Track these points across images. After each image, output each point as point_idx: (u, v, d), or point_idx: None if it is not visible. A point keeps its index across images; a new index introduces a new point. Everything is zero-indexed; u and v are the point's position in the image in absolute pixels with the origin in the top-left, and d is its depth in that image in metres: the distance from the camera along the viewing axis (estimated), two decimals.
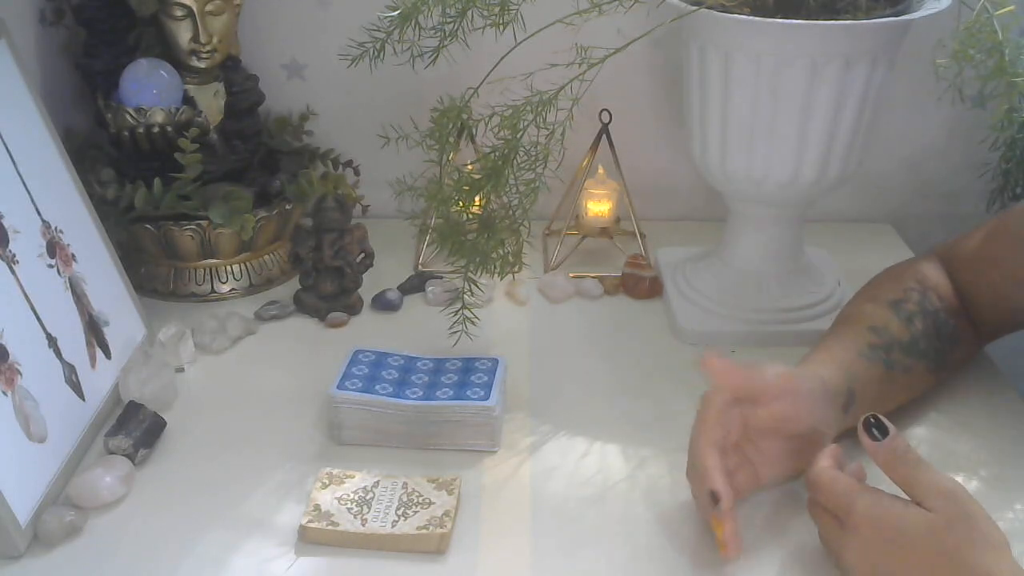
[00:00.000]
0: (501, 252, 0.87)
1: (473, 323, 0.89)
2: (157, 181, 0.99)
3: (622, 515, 0.77)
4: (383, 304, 1.04)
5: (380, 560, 0.72)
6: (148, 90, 1.00)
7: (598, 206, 1.11)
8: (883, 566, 0.65)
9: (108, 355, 0.88)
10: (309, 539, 0.73)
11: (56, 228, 0.86)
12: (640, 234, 1.12)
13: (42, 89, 0.97)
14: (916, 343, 0.84)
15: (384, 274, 1.07)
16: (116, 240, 0.96)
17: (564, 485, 0.80)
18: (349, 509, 0.74)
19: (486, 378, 0.85)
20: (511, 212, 0.86)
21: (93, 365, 0.86)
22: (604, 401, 0.90)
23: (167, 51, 1.03)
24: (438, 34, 0.85)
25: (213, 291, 1.05)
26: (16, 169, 0.82)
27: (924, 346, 0.85)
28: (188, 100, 1.02)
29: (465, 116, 0.85)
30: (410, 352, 0.90)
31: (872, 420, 0.69)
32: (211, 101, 1.05)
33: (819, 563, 0.71)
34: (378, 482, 0.77)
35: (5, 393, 0.74)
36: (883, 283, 0.90)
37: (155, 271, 1.05)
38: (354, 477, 0.78)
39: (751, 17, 0.86)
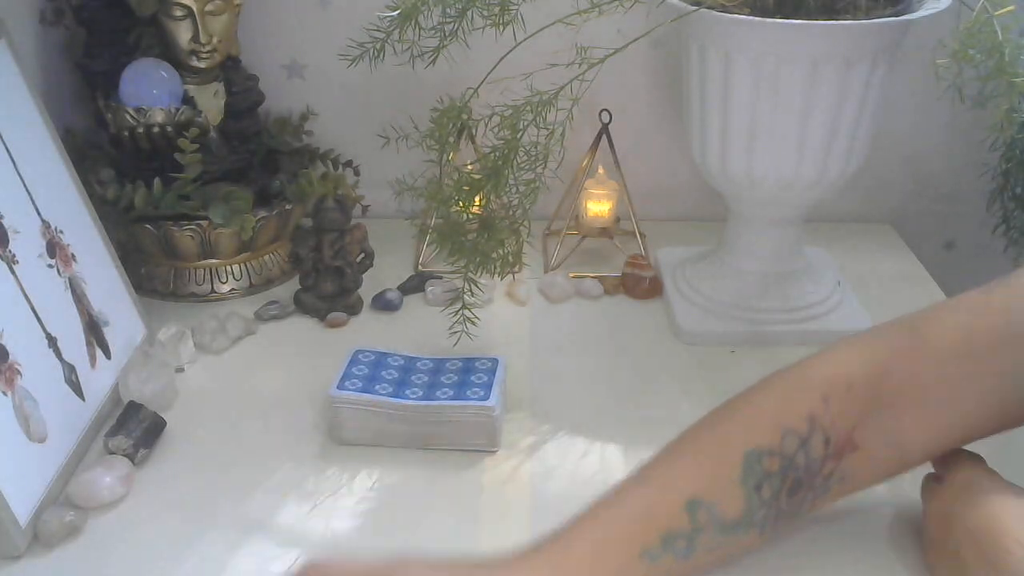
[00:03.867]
0: (501, 252, 0.87)
1: (473, 323, 0.89)
2: (157, 181, 0.99)
3: None
4: (383, 304, 1.04)
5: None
6: (148, 90, 1.00)
7: (598, 206, 1.11)
8: None
9: (108, 355, 0.88)
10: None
11: (56, 228, 0.86)
12: (640, 234, 1.12)
13: (42, 89, 0.96)
14: (750, 515, 0.64)
15: (384, 274, 1.07)
16: (116, 240, 0.96)
17: (564, 485, 0.80)
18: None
19: (486, 378, 0.85)
20: (511, 212, 0.86)
21: (93, 365, 0.86)
22: (604, 401, 0.90)
23: (167, 51, 1.03)
24: (438, 34, 0.85)
25: (213, 291, 1.05)
26: (16, 169, 0.82)
27: (761, 516, 0.64)
28: (188, 100, 1.02)
29: (465, 116, 0.85)
30: (410, 352, 0.89)
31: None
32: (211, 101, 1.05)
33: (830, 558, 0.72)
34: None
35: (5, 393, 0.74)
36: (766, 406, 0.67)
37: (155, 271, 1.05)
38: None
39: (751, 17, 0.86)
